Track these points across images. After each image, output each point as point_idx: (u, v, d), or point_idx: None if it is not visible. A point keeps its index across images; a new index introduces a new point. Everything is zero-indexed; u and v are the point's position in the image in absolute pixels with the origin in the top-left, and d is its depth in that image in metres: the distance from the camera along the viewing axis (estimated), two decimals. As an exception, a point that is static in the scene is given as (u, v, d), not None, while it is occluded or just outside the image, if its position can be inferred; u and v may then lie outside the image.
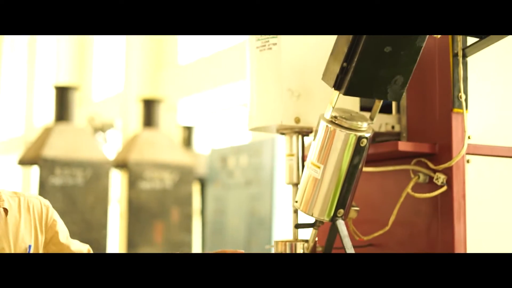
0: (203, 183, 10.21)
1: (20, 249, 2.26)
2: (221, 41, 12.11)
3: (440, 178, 2.36)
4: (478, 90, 2.43)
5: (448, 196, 2.35)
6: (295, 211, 2.45)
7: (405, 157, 2.47)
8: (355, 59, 2.09)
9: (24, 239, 2.25)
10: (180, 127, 11.56)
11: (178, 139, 11.03)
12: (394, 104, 2.60)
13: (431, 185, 2.40)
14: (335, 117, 2.20)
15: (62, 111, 8.39)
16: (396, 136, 2.57)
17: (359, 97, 2.40)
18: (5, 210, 2.24)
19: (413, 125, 2.51)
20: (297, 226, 2.40)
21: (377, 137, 2.62)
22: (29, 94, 21.58)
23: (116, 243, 9.44)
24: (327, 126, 2.20)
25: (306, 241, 2.40)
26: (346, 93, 2.15)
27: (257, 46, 2.44)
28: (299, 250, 2.40)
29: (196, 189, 10.27)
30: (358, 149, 2.20)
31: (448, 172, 2.36)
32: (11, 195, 2.30)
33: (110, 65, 17.13)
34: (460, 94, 2.36)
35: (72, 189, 7.93)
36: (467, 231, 2.35)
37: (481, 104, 2.44)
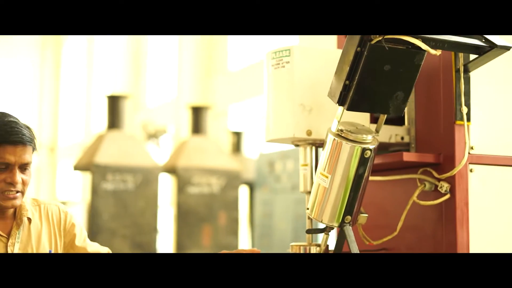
0: (251, 187, 10.44)
1: None
2: (269, 47, 12.33)
3: (444, 186, 2.51)
4: (481, 103, 2.57)
5: (451, 204, 2.50)
6: (309, 218, 2.63)
7: (413, 167, 2.62)
8: (356, 77, 2.26)
9: (45, 245, 2.46)
10: (230, 132, 11.82)
11: (227, 145, 11.31)
12: (406, 116, 2.76)
13: (436, 193, 2.54)
14: (341, 130, 2.37)
15: (114, 119, 8.75)
16: (407, 147, 2.73)
17: (364, 112, 2.55)
18: (29, 219, 2.46)
19: (420, 136, 2.66)
20: (308, 231, 2.58)
21: (390, 147, 2.79)
22: (88, 102, 22.26)
23: (166, 246, 9.74)
24: (334, 139, 2.38)
25: (319, 245, 2.58)
26: (349, 109, 2.32)
27: (272, 64, 2.64)
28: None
29: (244, 193, 10.51)
30: (362, 160, 2.36)
31: (452, 181, 2.50)
32: (32, 203, 2.50)
33: (164, 73, 17.56)
34: (461, 107, 2.50)
35: (123, 193, 8.27)
36: (470, 236, 2.49)
37: (484, 116, 2.57)
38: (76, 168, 8.80)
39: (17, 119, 2.38)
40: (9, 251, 2.41)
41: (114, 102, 8.82)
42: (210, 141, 9.49)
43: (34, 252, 2.45)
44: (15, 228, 2.43)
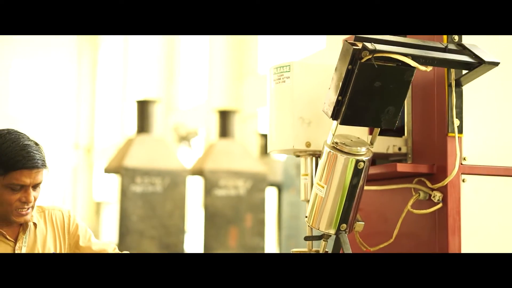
0: (279, 189, 10.57)
1: None
2: (299, 50, 12.45)
3: (437, 196, 2.62)
4: (474, 115, 2.67)
5: (443, 212, 2.61)
6: (308, 225, 2.76)
7: (409, 176, 2.74)
8: (348, 94, 2.39)
9: (50, 248, 2.66)
10: (258, 135, 11.97)
11: (255, 147, 11.45)
12: (406, 128, 2.88)
13: (430, 202, 2.66)
14: (336, 143, 2.50)
15: (143, 123, 8.97)
16: (405, 157, 2.85)
17: (357, 126, 2.67)
18: (35, 224, 2.66)
19: (417, 147, 2.78)
20: (306, 238, 2.72)
21: (390, 157, 2.91)
22: (122, 104, 22.65)
23: (193, 247, 9.94)
24: (329, 151, 2.51)
25: (318, 251, 2.72)
26: (342, 123, 2.44)
27: (274, 79, 2.78)
28: (313, 259, 2.72)
29: (272, 195, 10.64)
30: (356, 171, 2.48)
31: (444, 190, 2.61)
32: (37, 209, 2.70)
33: (195, 76, 17.81)
34: (453, 120, 2.61)
35: (151, 196, 8.48)
36: (461, 244, 2.60)
37: (477, 128, 2.67)
38: (106, 170, 9.05)
39: (30, 140, 2.58)
40: None
41: (144, 107, 9.04)
42: (237, 144, 9.65)
43: None
44: (22, 233, 2.63)
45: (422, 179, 2.69)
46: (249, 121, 13.41)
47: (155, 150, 8.77)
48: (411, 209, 2.67)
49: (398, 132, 2.89)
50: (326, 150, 2.52)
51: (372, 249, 2.79)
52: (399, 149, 2.83)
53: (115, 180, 8.92)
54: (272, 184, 10.53)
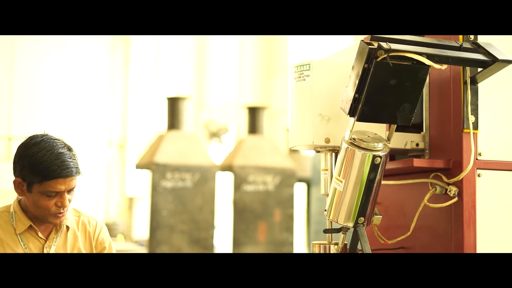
0: (308, 185, 10.65)
1: None
2: (327, 47, 12.50)
3: (452, 190, 2.70)
4: (489, 112, 2.74)
5: (459, 206, 2.68)
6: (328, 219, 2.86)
7: (426, 171, 2.82)
8: (365, 91, 2.48)
9: (80, 251, 2.78)
10: (287, 131, 12.07)
11: (285, 143, 11.55)
12: (424, 124, 2.95)
13: (446, 196, 2.73)
14: (354, 139, 2.59)
15: (174, 120, 9.13)
16: (423, 152, 2.92)
17: (374, 123, 2.76)
18: (67, 227, 2.79)
19: (434, 143, 2.85)
20: (325, 231, 2.81)
21: (408, 152, 2.99)
22: (154, 101, 22.92)
23: (222, 241, 10.09)
24: (347, 147, 2.60)
25: (338, 243, 2.81)
26: (359, 120, 2.53)
27: (294, 77, 2.87)
28: (332, 251, 2.81)
29: (301, 190, 10.73)
30: (373, 166, 2.57)
31: (460, 185, 2.69)
32: (73, 213, 2.83)
33: (226, 73, 17.96)
34: (468, 116, 2.68)
35: (181, 191, 8.64)
36: (477, 237, 2.67)
37: (492, 124, 2.74)
38: (138, 166, 9.23)
39: (64, 146, 2.68)
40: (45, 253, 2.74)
41: (175, 104, 9.20)
42: (266, 140, 9.76)
43: None
44: (54, 233, 2.76)
45: (439, 174, 2.76)
46: (278, 118, 13.51)
47: (185, 146, 8.92)
48: (428, 203, 2.75)
49: (416, 128, 2.97)
50: (344, 146, 2.61)
51: (389, 242, 2.87)
52: (417, 144, 2.91)
53: (147, 175, 9.11)
54: (301, 180, 10.61)
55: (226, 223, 9.89)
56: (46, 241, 2.74)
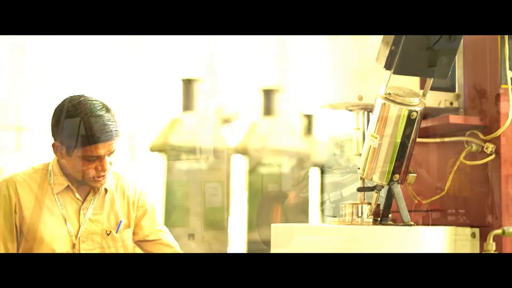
0: (322, 169, 10.59)
1: (111, 223, 2.72)
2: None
3: (489, 147, 2.64)
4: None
5: (496, 163, 2.62)
6: (361, 178, 2.80)
7: (461, 130, 2.76)
8: (401, 43, 2.42)
9: (117, 214, 2.72)
10: (302, 115, 11.97)
11: (299, 127, 11.47)
12: (457, 82, 2.89)
13: (483, 154, 2.67)
14: (389, 93, 2.54)
15: (188, 102, 9.07)
16: (457, 111, 2.86)
17: (410, 76, 2.70)
18: (105, 190, 2.73)
19: (469, 101, 2.79)
20: (359, 189, 2.76)
21: (442, 112, 2.93)
22: (167, 84, 22.88)
23: (237, 224, 10.04)
24: (382, 102, 2.54)
25: (370, 203, 2.76)
26: (395, 73, 2.48)
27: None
28: (365, 211, 2.75)
29: (315, 175, 10.66)
30: (409, 122, 2.52)
31: (497, 141, 2.63)
32: (113, 176, 2.77)
33: (237, 57, 17.88)
34: (506, 71, 2.62)
35: (196, 173, 8.59)
36: (515, 194, 2.61)
37: (530, 80, 2.68)
38: (152, 149, 9.18)
39: (103, 107, 2.60)
40: (81, 215, 2.69)
41: (189, 85, 9.13)
42: (281, 123, 9.69)
43: (105, 217, 2.70)
44: (91, 195, 2.71)
45: (475, 131, 2.70)
46: (293, 101, 13.43)
47: (200, 128, 8.87)
48: (464, 161, 2.69)
49: (449, 89, 2.91)
50: (379, 101, 2.55)
51: (424, 202, 2.82)
52: (451, 103, 2.85)
53: (161, 157, 9.06)
54: (315, 165, 10.55)
55: (241, 206, 9.86)
56: (83, 203, 2.69)
